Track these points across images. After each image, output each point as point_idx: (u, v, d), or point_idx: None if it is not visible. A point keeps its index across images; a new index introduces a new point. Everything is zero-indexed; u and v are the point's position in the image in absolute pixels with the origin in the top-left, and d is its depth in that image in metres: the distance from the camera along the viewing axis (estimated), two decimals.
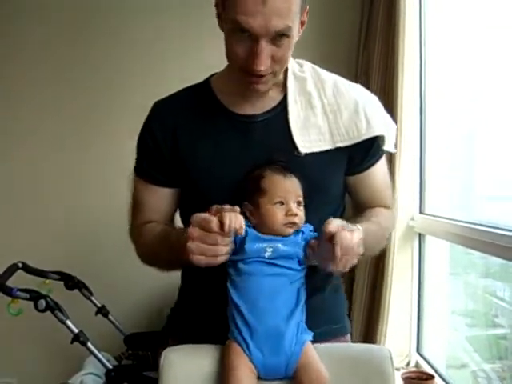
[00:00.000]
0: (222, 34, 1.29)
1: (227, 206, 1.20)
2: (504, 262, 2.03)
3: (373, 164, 1.44)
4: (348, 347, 1.40)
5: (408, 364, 2.69)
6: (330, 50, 2.95)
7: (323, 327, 1.39)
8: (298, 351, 1.25)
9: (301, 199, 1.29)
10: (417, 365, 2.68)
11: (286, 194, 1.27)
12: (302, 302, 1.27)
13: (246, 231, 1.24)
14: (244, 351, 1.24)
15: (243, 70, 1.26)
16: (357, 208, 1.52)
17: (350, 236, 1.14)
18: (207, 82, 1.45)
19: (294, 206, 1.27)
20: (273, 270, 1.25)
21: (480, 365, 2.41)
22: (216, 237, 1.15)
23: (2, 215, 3.25)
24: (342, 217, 1.43)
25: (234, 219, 1.15)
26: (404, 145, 2.52)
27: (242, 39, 1.21)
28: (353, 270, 2.78)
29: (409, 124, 2.59)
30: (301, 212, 1.28)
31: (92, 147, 3.25)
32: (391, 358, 1.33)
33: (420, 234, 2.71)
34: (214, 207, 1.21)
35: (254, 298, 1.24)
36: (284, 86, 1.40)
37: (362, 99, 1.41)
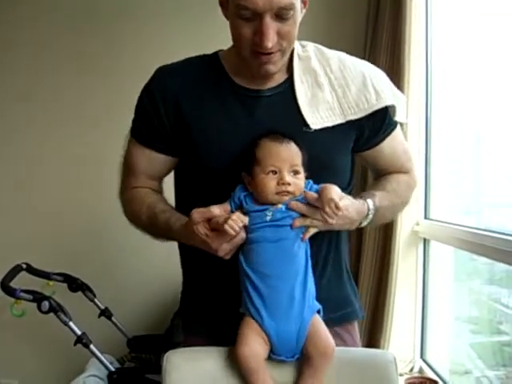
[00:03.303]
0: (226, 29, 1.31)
1: (216, 210, 1.22)
2: (509, 268, 2.02)
3: (387, 135, 1.45)
4: (352, 351, 1.39)
5: (411, 370, 2.68)
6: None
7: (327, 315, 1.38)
8: (308, 318, 1.25)
9: (297, 168, 1.27)
10: (420, 370, 2.67)
11: (280, 163, 1.26)
12: (309, 274, 1.28)
13: (246, 201, 1.28)
14: (257, 321, 1.24)
15: (252, 52, 1.28)
16: (376, 174, 1.55)
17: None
18: (215, 54, 1.45)
19: (286, 175, 1.25)
20: (277, 235, 1.25)
21: (484, 371, 2.40)
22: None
23: (6, 216, 3.25)
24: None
25: (234, 223, 1.19)
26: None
27: (248, 20, 1.23)
28: (357, 273, 2.80)
29: (414, 129, 2.59)
30: (297, 180, 1.27)
31: (96, 146, 3.23)
32: (395, 363, 1.33)
33: (425, 239, 2.70)
34: (199, 214, 1.22)
35: (263, 266, 1.24)
36: (289, 68, 1.40)
37: (368, 72, 1.42)
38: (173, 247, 1.50)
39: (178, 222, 1.32)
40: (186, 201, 1.41)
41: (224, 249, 1.24)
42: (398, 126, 1.49)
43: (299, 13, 1.28)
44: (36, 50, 3.24)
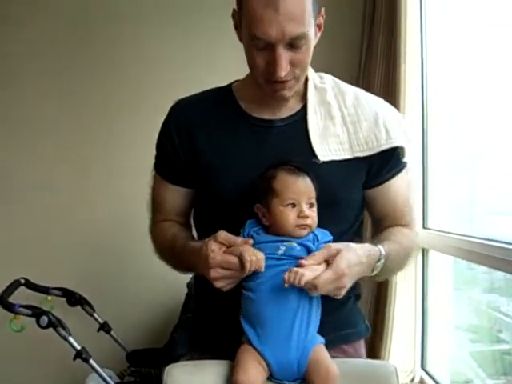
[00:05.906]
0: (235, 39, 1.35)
1: (239, 239, 1.23)
2: (508, 276, 2.02)
3: (392, 176, 1.43)
4: (353, 362, 1.38)
5: (412, 380, 2.67)
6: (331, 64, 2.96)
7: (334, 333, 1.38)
8: (309, 348, 1.24)
9: (313, 201, 1.29)
10: (421, 380, 2.66)
11: (298, 196, 1.27)
12: (315, 307, 1.27)
13: (257, 232, 1.28)
14: (256, 348, 1.24)
15: (266, 79, 1.29)
16: (376, 224, 1.49)
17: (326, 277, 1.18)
18: (229, 86, 1.48)
19: (305, 208, 1.27)
20: (284, 267, 1.23)
21: (484, 380, 2.40)
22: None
23: (5, 231, 3.24)
24: (357, 233, 1.45)
25: (255, 260, 1.18)
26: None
27: (261, 49, 1.25)
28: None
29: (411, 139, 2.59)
30: (313, 213, 1.28)
31: (96, 161, 3.25)
32: (397, 374, 1.32)
33: (423, 249, 2.70)
34: (223, 235, 1.23)
35: (265, 298, 1.24)
36: (304, 96, 1.42)
37: (382, 111, 1.42)
38: None
39: (195, 244, 1.32)
40: (206, 233, 1.37)
41: (221, 281, 1.22)
42: (405, 172, 1.45)
43: (313, 40, 1.29)
44: (30, 51, 3.25)
